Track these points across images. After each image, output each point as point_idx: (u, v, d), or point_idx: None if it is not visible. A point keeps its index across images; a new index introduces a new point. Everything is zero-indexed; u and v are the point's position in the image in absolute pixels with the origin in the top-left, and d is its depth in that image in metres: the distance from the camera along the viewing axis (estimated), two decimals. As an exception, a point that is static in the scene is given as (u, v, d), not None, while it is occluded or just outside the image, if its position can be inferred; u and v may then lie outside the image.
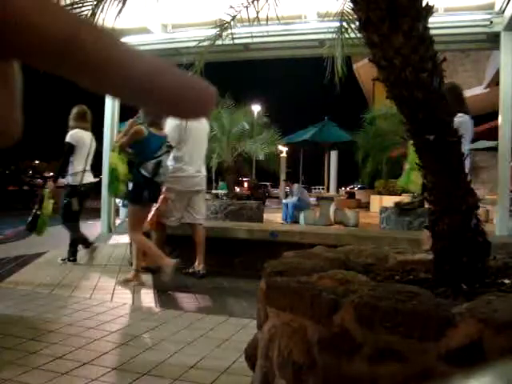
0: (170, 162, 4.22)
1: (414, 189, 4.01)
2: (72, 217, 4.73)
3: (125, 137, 3.85)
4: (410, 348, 1.06)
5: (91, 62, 0.17)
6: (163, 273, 3.83)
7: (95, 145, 5.02)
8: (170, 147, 4.13)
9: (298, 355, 1.23)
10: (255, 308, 1.63)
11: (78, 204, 4.72)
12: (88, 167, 4.81)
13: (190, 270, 4.40)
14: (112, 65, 0.18)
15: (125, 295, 3.67)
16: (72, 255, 4.87)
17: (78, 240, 4.88)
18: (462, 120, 3.37)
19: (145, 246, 3.97)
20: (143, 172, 3.83)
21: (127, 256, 5.44)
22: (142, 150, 3.85)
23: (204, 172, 4.51)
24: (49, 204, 4.53)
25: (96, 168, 5.12)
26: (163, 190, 4.20)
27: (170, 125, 4.18)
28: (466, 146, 3.38)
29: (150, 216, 4.16)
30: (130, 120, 3.97)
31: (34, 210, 4.51)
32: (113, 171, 3.87)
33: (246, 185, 23.58)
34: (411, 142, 3.65)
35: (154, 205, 4.19)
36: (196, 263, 4.44)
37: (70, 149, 4.68)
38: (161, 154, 3.90)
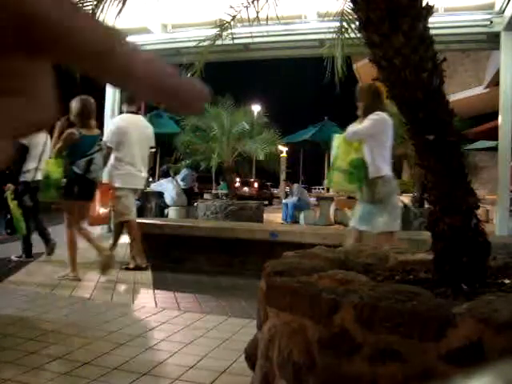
0: (112, 162, 4.53)
1: (336, 189, 4.03)
2: (27, 213, 4.94)
3: (59, 141, 4.10)
4: (410, 348, 1.06)
5: (117, 68, 0.20)
6: (100, 267, 4.13)
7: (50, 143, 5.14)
8: (110, 149, 4.49)
9: (298, 355, 1.23)
10: (255, 308, 1.63)
11: (30, 200, 4.91)
12: (42, 165, 4.87)
13: (131, 266, 4.64)
14: (134, 71, 0.21)
15: (125, 295, 3.67)
16: (25, 252, 5.08)
17: (41, 235, 5.14)
18: (376, 118, 3.43)
19: (85, 238, 4.21)
20: (75, 169, 4.07)
21: (127, 256, 5.44)
22: (75, 150, 4.09)
23: (145, 173, 4.80)
24: (14, 204, 4.81)
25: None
26: (115, 190, 4.53)
27: (110, 128, 4.67)
28: (387, 144, 3.49)
29: (92, 212, 4.38)
30: (59, 122, 4.15)
31: (4, 216, 4.86)
32: (47, 178, 4.08)
33: (256, 185, 23.54)
34: (337, 142, 3.78)
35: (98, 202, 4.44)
36: (132, 257, 4.70)
37: (22, 148, 4.84)
38: (92, 152, 4.15)
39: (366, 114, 3.51)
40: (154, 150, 4.98)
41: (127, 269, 4.54)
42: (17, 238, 6.27)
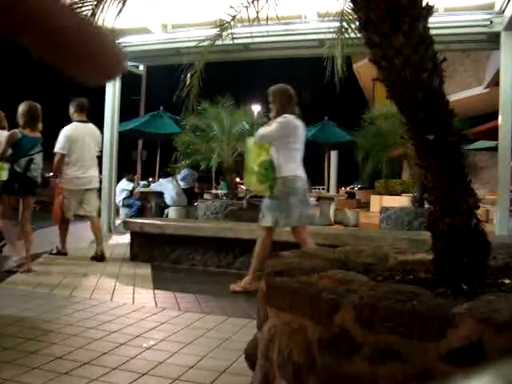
0: (64, 167, 5.08)
1: (252, 189, 4.28)
2: None
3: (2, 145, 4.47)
4: (410, 348, 1.06)
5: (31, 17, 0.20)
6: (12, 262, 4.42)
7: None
8: (62, 155, 5.02)
9: (298, 355, 1.23)
10: (255, 308, 1.63)
11: None
12: None
13: (92, 255, 5.14)
14: (43, 17, 0.20)
15: (125, 295, 3.66)
16: None
17: None
18: (282, 120, 3.70)
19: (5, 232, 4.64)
20: (16, 168, 4.41)
21: (127, 255, 5.44)
22: (16, 149, 4.43)
23: (94, 173, 5.32)
24: None
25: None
26: (62, 189, 5.05)
27: (61, 136, 5.08)
28: (294, 145, 3.72)
29: (55, 213, 5.04)
30: (11, 131, 4.58)
31: None
32: None
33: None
34: (249, 145, 3.92)
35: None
36: (97, 246, 5.18)
37: None
38: (33, 152, 4.48)
39: (277, 116, 3.76)
40: (99, 153, 5.60)
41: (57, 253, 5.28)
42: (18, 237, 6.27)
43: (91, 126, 5.32)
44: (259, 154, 3.79)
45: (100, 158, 6.11)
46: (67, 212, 5.13)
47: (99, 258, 5.07)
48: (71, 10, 0.19)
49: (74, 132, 5.11)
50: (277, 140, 3.70)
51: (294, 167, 3.71)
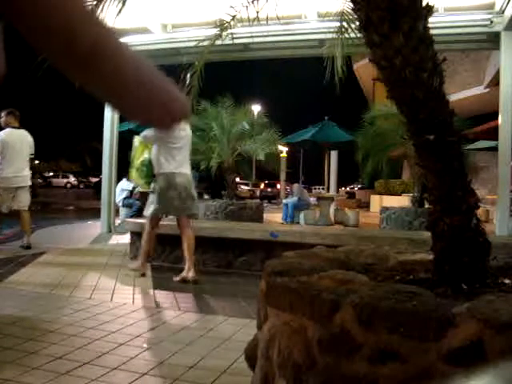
0: None
1: (136, 183, 4.86)
2: None
3: None
4: (410, 348, 1.06)
5: (107, 66, 0.20)
6: None
7: None
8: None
9: (298, 355, 1.23)
10: (255, 308, 1.63)
11: None
12: None
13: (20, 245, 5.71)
14: (123, 69, 0.20)
15: (125, 295, 3.66)
16: None
17: None
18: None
19: None
20: None
21: (127, 256, 5.44)
22: None
23: (26, 173, 5.86)
24: None
25: (97, 168, 5.26)
26: None
27: None
28: (174, 145, 4.12)
29: None
30: None
31: None
32: None
33: (279, 186, 24.16)
34: (136, 143, 4.43)
35: None
36: (25, 237, 5.75)
37: None
38: None
39: None
40: (33, 155, 6.04)
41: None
42: (18, 237, 6.28)
43: (24, 132, 5.91)
44: (143, 152, 4.38)
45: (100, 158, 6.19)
46: (1, 206, 5.68)
47: (25, 247, 5.66)
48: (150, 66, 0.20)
49: (9, 137, 5.71)
50: (158, 140, 4.17)
51: (174, 165, 4.16)
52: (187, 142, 4.31)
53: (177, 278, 4.16)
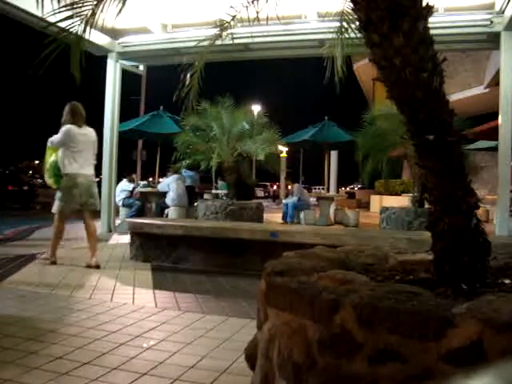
0: None
1: (48, 183, 5.06)
2: None
3: None
4: (410, 348, 1.05)
5: None
6: None
7: None
8: None
9: (298, 355, 1.23)
10: (255, 308, 1.63)
11: None
12: None
13: None
14: None
15: (125, 295, 3.66)
16: None
17: None
18: (63, 130, 4.77)
19: None
20: None
21: (127, 256, 5.44)
22: None
23: None
24: None
25: (97, 168, 5.26)
26: None
27: None
28: (75, 149, 4.72)
29: None
30: None
31: None
32: None
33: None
34: (48, 147, 4.82)
35: None
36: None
37: None
38: None
39: (61, 126, 4.82)
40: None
41: None
42: (18, 237, 6.28)
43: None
44: (51, 155, 4.85)
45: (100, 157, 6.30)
46: None
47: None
48: None
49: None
50: (61, 145, 4.77)
51: (76, 166, 4.76)
52: (88, 145, 4.89)
53: (83, 265, 4.76)
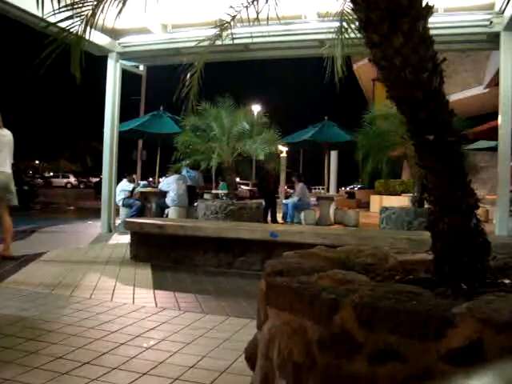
0: None
1: None
2: None
3: None
4: (410, 348, 1.05)
5: None
6: None
7: None
8: None
9: (298, 355, 1.23)
10: (255, 308, 1.63)
11: None
12: None
13: None
14: None
15: (125, 295, 3.67)
16: None
17: None
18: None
19: None
20: None
21: (127, 256, 5.45)
22: None
23: None
24: None
25: (97, 168, 5.26)
26: None
27: None
28: (3, 152, 5.11)
29: None
30: None
31: None
32: None
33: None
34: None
35: None
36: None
37: None
38: None
39: None
40: None
41: None
42: (18, 237, 6.27)
43: None
44: None
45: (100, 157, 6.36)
46: None
47: None
48: None
49: None
50: None
51: (7, 166, 5.09)
52: (7, 145, 5.17)
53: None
